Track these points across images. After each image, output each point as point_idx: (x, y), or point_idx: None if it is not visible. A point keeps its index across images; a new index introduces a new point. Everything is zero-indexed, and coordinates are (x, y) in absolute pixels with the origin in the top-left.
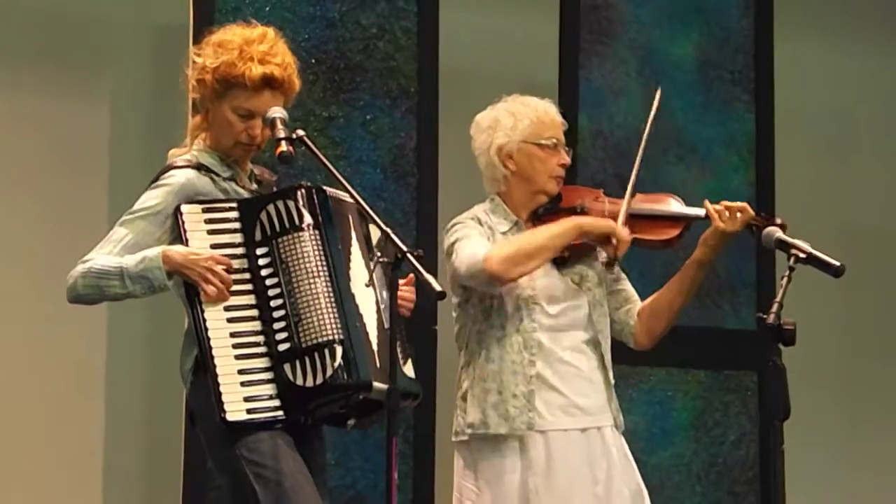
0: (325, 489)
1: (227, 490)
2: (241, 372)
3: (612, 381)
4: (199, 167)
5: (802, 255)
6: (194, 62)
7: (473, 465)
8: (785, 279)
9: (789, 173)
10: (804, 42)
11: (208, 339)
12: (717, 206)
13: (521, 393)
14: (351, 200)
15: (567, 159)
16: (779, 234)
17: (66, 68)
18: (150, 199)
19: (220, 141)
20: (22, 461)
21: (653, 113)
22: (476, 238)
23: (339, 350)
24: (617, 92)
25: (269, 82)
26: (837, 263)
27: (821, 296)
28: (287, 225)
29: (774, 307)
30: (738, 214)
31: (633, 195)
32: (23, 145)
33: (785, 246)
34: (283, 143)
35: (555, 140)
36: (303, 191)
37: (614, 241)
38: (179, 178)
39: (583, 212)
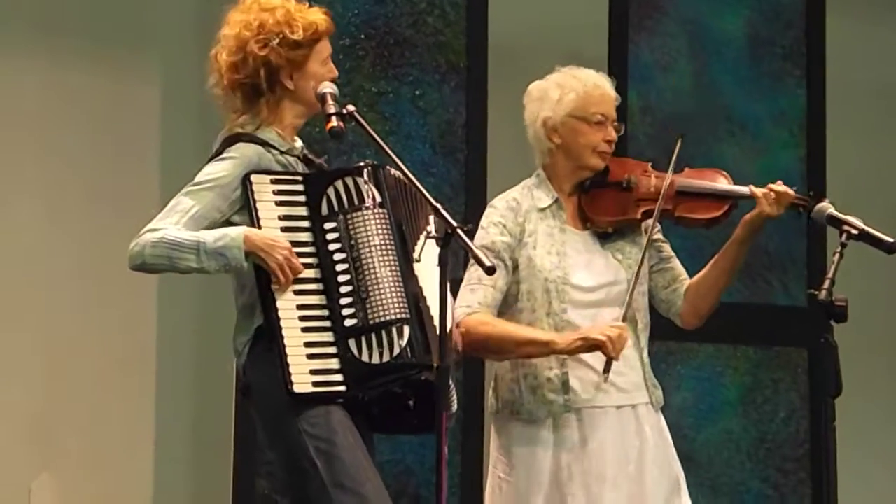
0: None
1: (281, 464)
2: (307, 344)
3: (647, 360)
4: (261, 143)
5: (854, 232)
6: (257, 54)
7: (508, 440)
8: (837, 255)
9: (840, 149)
10: (856, 16)
11: (277, 310)
12: (764, 190)
13: (555, 376)
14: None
15: (612, 135)
16: (830, 210)
17: (116, 45)
18: (217, 170)
19: (314, 98)
20: (74, 438)
21: (674, 158)
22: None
23: (406, 329)
24: (666, 67)
25: (330, 16)
26: (891, 240)
27: (870, 273)
28: (356, 201)
29: (826, 283)
30: (782, 198)
31: (664, 202)
32: (72, 124)
33: (837, 222)
34: (334, 118)
35: (600, 115)
36: (369, 169)
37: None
38: (248, 150)
39: (629, 186)
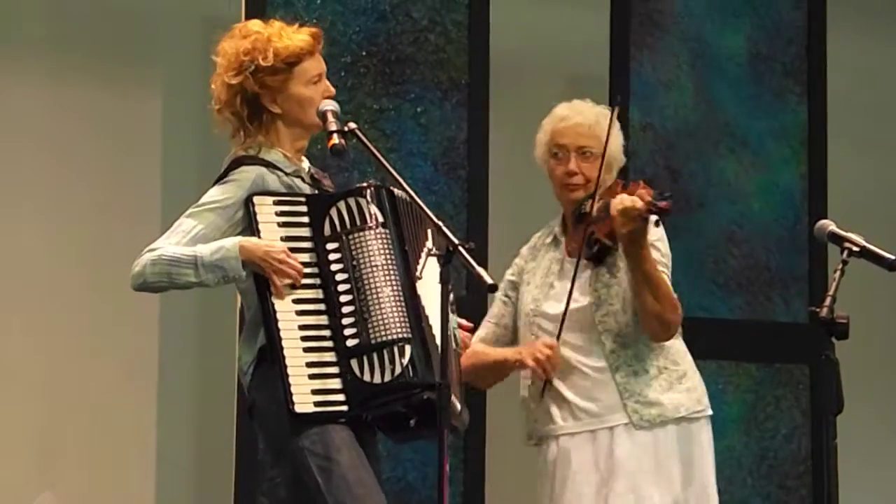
0: (381, 483)
1: (286, 483)
2: (308, 364)
3: (624, 381)
4: (266, 164)
5: (856, 249)
6: (230, 83)
7: None
8: (838, 272)
9: (841, 165)
10: (857, 33)
11: (278, 330)
12: (617, 205)
13: (531, 407)
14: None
15: (570, 167)
16: (832, 227)
17: (119, 61)
18: (221, 193)
19: (305, 119)
20: (76, 453)
21: (598, 179)
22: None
23: (408, 349)
24: (668, 84)
25: (316, 37)
26: (892, 257)
27: (872, 290)
28: (358, 222)
29: (827, 300)
30: (627, 214)
31: (588, 232)
32: (76, 139)
33: (838, 239)
34: (336, 135)
35: (556, 148)
36: (372, 189)
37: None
38: (250, 174)
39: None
